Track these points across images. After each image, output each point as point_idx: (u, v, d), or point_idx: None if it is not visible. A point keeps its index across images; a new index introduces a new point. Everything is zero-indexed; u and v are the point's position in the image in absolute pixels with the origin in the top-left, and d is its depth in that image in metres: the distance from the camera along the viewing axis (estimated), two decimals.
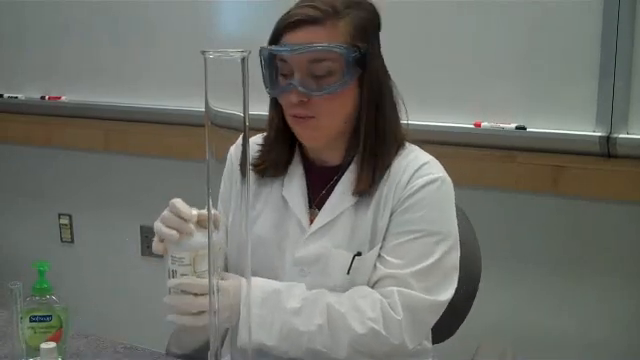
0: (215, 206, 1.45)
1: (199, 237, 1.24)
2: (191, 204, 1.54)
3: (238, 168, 1.47)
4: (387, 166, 1.39)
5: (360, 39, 1.34)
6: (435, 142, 2.02)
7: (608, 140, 1.93)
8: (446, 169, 1.41)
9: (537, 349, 2.11)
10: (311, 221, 1.42)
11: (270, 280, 1.36)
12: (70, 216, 2.96)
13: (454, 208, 1.43)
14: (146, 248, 2.74)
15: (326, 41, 1.32)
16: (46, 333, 1.42)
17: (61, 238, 2.98)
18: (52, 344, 1.36)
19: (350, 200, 1.39)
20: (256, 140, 1.50)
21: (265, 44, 1.35)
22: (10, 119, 3.00)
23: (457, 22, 2.09)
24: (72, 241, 2.97)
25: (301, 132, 1.40)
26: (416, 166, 1.39)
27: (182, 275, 1.24)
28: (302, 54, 1.32)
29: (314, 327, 1.31)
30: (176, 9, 2.55)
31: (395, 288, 1.34)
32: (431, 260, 1.35)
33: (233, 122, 0.93)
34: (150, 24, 2.62)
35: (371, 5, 1.40)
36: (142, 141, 2.71)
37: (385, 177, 1.39)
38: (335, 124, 1.38)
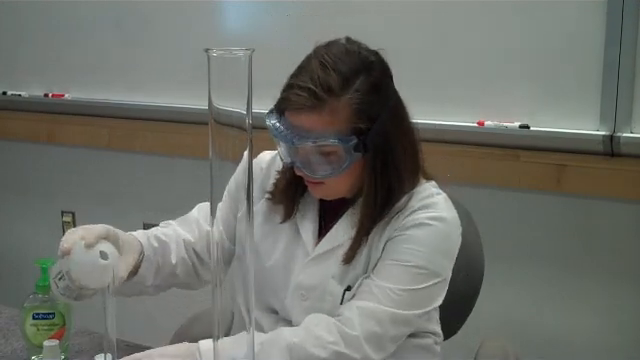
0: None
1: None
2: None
3: (259, 187, 1.49)
4: (393, 203, 1.38)
5: (362, 118, 1.31)
6: (439, 141, 2.03)
7: (612, 139, 1.92)
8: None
9: (539, 348, 2.11)
10: None
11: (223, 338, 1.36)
12: (73, 214, 2.96)
13: (454, 250, 1.41)
14: None
15: (325, 128, 1.29)
16: (49, 331, 1.42)
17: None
18: (55, 342, 1.37)
19: (351, 232, 1.39)
20: (274, 164, 1.50)
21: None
22: (13, 116, 3.00)
23: (461, 21, 2.09)
24: None
25: (311, 190, 1.41)
26: (423, 203, 1.38)
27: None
28: (298, 146, 1.32)
29: None
30: (180, 7, 2.55)
31: (356, 303, 1.34)
32: (408, 286, 1.35)
33: (236, 120, 0.93)
34: (154, 22, 2.62)
35: (375, 56, 1.36)
36: (145, 139, 2.71)
37: (391, 214, 1.38)
38: (344, 187, 1.39)
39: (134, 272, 1.41)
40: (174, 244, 1.49)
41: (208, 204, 1.04)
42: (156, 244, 1.46)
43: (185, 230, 1.52)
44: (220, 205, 1.49)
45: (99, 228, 1.30)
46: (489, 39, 2.06)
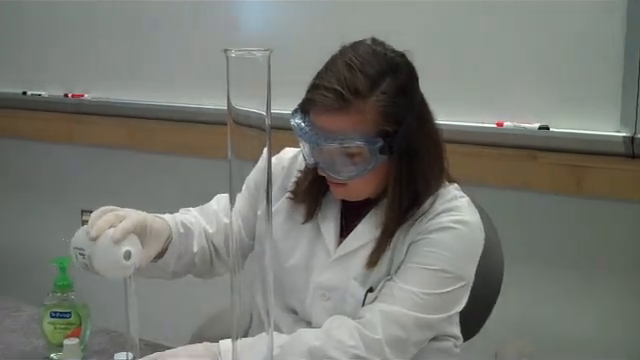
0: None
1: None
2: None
3: (280, 186, 1.49)
4: (418, 206, 1.37)
5: (388, 120, 1.30)
6: (457, 142, 2.02)
7: (633, 140, 1.91)
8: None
9: (559, 350, 2.10)
10: None
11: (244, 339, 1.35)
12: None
13: (477, 254, 1.40)
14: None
15: (350, 130, 1.28)
16: (65, 329, 1.43)
17: None
18: (75, 340, 1.38)
19: (375, 233, 1.38)
20: (296, 162, 1.50)
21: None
22: (33, 116, 3.02)
23: (480, 22, 2.08)
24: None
25: (334, 191, 1.40)
26: (446, 207, 1.37)
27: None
28: (323, 147, 1.31)
29: None
30: (199, 7, 2.56)
31: (378, 306, 1.33)
32: (431, 290, 1.34)
33: (255, 120, 0.93)
34: (173, 22, 2.63)
35: (401, 58, 1.35)
36: (164, 139, 2.72)
37: (415, 216, 1.37)
38: (367, 189, 1.38)
39: (160, 256, 1.40)
40: (197, 232, 1.48)
41: (227, 196, 1.03)
42: (182, 230, 1.45)
43: (205, 220, 1.52)
44: (239, 197, 1.49)
45: (129, 223, 1.25)
46: (508, 40, 2.05)
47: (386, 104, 1.29)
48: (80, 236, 1.28)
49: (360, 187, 1.37)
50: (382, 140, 1.29)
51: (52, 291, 1.45)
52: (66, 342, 1.37)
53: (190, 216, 1.51)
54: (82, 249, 1.26)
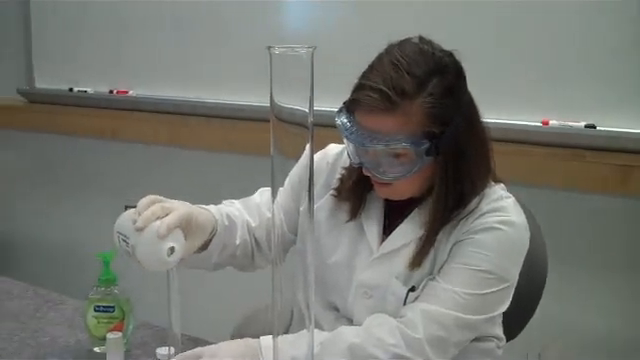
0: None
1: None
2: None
3: (324, 182, 1.49)
4: (464, 206, 1.36)
5: (435, 122, 1.28)
6: (502, 140, 2.00)
7: None
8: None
9: (603, 353, 2.07)
10: None
11: (284, 335, 1.34)
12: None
13: (522, 255, 1.38)
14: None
15: (396, 131, 1.27)
16: (109, 323, 1.45)
17: None
18: (118, 334, 1.39)
19: (418, 232, 1.37)
20: (341, 158, 1.50)
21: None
22: (79, 112, 3.06)
23: (527, 20, 2.05)
24: None
25: (378, 190, 1.39)
26: (492, 207, 1.36)
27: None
28: (368, 147, 1.30)
29: None
30: (242, 5, 2.57)
31: (420, 305, 1.32)
32: (474, 291, 1.33)
33: (298, 117, 0.93)
34: (217, 20, 2.65)
35: (449, 58, 1.33)
36: (206, 136, 2.74)
37: (460, 216, 1.36)
38: (412, 189, 1.37)
39: (204, 247, 1.41)
40: (240, 225, 1.49)
41: (269, 190, 1.03)
42: (227, 222, 1.46)
43: (247, 213, 1.52)
44: (281, 191, 1.50)
45: (175, 218, 1.25)
46: (554, 38, 2.02)
47: (433, 105, 1.27)
48: (124, 222, 1.29)
49: (405, 187, 1.36)
50: (428, 141, 1.28)
51: (96, 285, 1.47)
52: (109, 336, 1.39)
53: (234, 209, 1.51)
54: (126, 236, 1.27)
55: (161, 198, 1.31)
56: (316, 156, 1.52)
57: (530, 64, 2.06)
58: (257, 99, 2.48)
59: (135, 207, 1.29)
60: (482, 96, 1.39)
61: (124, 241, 1.27)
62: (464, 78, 1.35)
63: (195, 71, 2.73)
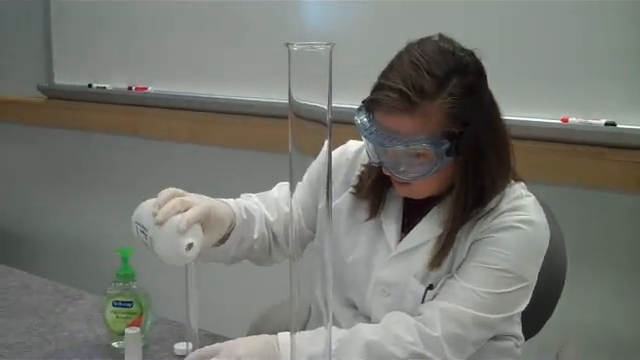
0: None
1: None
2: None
3: (343, 179, 1.48)
4: (483, 205, 1.35)
5: (455, 122, 1.27)
6: (521, 137, 1.98)
7: None
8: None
9: (622, 353, 2.05)
10: None
11: (302, 332, 1.34)
12: None
13: (541, 254, 1.37)
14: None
15: (416, 131, 1.26)
16: (127, 319, 1.45)
17: None
18: (136, 329, 1.39)
19: (437, 231, 1.37)
20: (360, 155, 1.49)
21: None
22: (98, 109, 3.08)
23: (546, 16, 2.04)
24: None
25: (397, 189, 1.39)
26: (512, 205, 1.35)
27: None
28: (387, 148, 1.30)
29: None
30: (262, 3, 2.57)
31: (438, 304, 1.32)
32: (493, 290, 1.32)
33: (316, 114, 0.93)
34: (236, 18, 2.65)
35: (470, 57, 1.31)
36: (224, 132, 2.74)
37: (479, 214, 1.35)
38: (431, 188, 1.36)
39: (222, 241, 1.41)
40: (258, 219, 1.49)
41: (288, 184, 1.03)
42: (245, 216, 1.46)
43: (265, 207, 1.52)
44: (299, 186, 1.50)
45: (195, 213, 1.25)
46: (574, 35, 2.01)
47: (453, 105, 1.26)
48: (143, 213, 1.29)
49: (424, 186, 1.35)
50: (448, 141, 1.27)
51: (115, 281, 1.48)
52: (127, 331, 1.39)
53: (252, 202, 1.52)
54: (145, 228, 1.27)
55: (181, 191, 1.31)
56: (335, 152, 1.52)
57: (550, 61, 2.05)
58: (276, 96, 2.48)
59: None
60: (501, 93, 1.38)
61: (142, 232, 1.28)
62: (485, 77, 1.34)
63: (214, 68, 2.74)
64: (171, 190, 1.30)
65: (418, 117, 1.26)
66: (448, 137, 1.27)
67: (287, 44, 0.91)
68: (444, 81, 1.26)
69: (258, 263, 1.57)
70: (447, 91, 1.26)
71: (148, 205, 1.30)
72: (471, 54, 1.32)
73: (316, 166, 1.37)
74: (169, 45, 2.83)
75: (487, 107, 1.33)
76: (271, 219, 1.51)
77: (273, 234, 1.52)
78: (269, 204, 1.53)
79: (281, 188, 1.55)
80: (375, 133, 1.29)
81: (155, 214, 1.25)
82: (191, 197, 1.31)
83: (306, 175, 1.50)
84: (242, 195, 1.55)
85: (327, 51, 0.91)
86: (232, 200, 1.48)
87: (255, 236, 1.48)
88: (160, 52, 2.87)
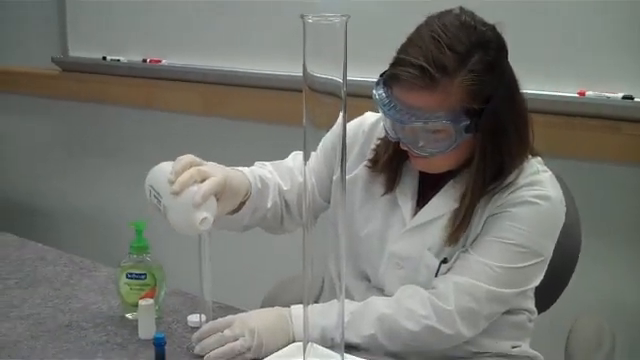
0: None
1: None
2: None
3: (359, 151, 1.47)
4: (501, 180, 1.34)
5: (475, 99, 1.26)
6: (537, 111, 1.96)
7: None
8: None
9: (636, 327, 2.05)
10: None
11: (315, 304, 1.34)
12: None
13: (557, 230, 1.37)
14: None
15: (436, 108, 1.25)
16: (140, 290, 1.46)
17: None
18: (150, 301, 1.40)
19: (452, 205, 1.36)
20: (377, 128, 1.48)
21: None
22: (112, 81, 3.08)
23: None
24: None
25: (414, 163, 1.38)
26: (529, 180, 1.34)
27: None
28: (406, 124, 1.28)
29: (366, 338, 1.31)
30: None
31: (452, 278, 1.32)
32: (507, 264, 1.32)
33: (331, 87, 0.92)
34: None
35: (492, 32, 1.29)
36: (240, 105, 2.74)
37: (496, 189, 1.34)
38: (449, 163, 1.36)
39: (236, 210, 1.41)
40: (272, 188, 1.49)
41: (302, 154, 1.03)
42: (260, 185, 1.46)
43: (279, 176, 1.52)
44: (313, 155, 1.49)
45: (211, 186, 1.25)
46: (591, 7, 1.98)
47: (473, 82, 1.25)
48: (159, 177, 1.28)
49: (442, 161, 1.34)
50: (468, 118, 1.26)
51: (128, 253, 1.48)
52: (141, 303, 1.40)
53: (266, 171, 1.51)
54: (159, 194, 1.26)
55: (198, 160, 1.30)
56: (352, 123, 1.51)
57: (567, 33, 2.02)
58: (290, 68, 2.46)
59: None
60: (517, 66, 1.36)
61: (156, 197, 1.27)
62: (506, 53, 1.32)
63: (228, 40, 2.72)
64: (189, 157, 1.29)
65: (438, 94, 1.24)
66: (468, 113, 1.26)
67: (302, 16, 0.90)
68: (465, 57, 1.25)
69: (269, 231, 1.57)
70: (468, 67, 1.25)
71: (164, 169, 1.28)
72: (493, 29, 1.30)
73: (330, 137, 1.36)
74: (183, 18, 2.82)
75: (508, 83, 1.31)
76: (285, 188, 1.51)
77: (286, 203, 1.52)
78: (283, 173, 1.52)
79: (295, 157, 1.55)
80: (394, 109, 1.28)
81: (172, 182, 1.24)
82: (208, 166, 1.30)
83: (320, 144, 1.49)
84: (256, 163, 1.55)
85: (342, 23, 0.90)
86: (247, 169, 1.48)
87: (269, 205, 1.48)
88: (174, 25, 2.85)
